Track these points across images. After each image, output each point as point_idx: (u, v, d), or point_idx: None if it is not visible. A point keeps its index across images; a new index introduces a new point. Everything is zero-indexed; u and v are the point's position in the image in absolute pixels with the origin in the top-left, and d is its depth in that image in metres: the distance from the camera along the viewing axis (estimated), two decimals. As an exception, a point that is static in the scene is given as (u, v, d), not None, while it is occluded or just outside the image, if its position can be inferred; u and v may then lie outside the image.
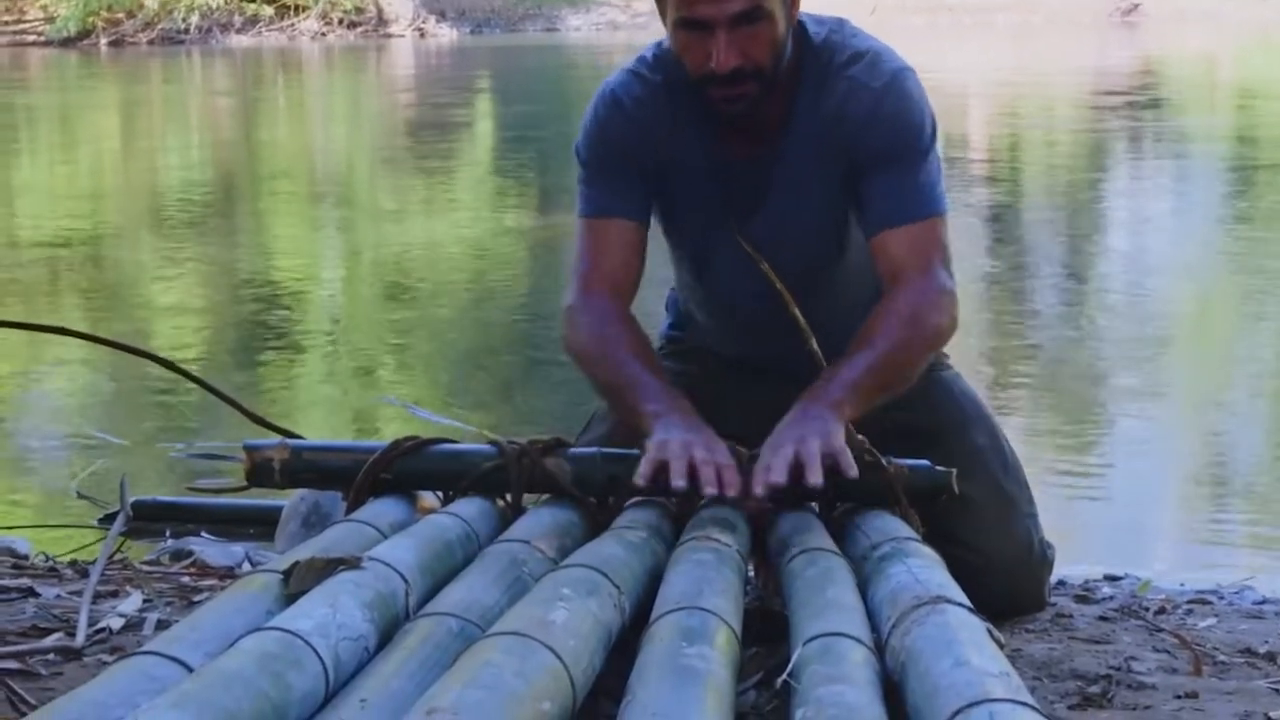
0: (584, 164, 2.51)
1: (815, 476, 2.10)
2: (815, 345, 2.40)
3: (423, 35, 29.51)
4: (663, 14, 2.36)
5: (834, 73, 2.40)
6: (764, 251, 2.45)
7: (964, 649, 1.48)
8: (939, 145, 2.44)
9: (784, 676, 1.53)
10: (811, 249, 2.50)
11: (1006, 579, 2.49)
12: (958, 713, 1.33)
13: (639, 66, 2.49)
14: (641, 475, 2.17)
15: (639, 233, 2.48)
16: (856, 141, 2.39)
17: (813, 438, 2.13)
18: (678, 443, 2.18)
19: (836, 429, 2.16)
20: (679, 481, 2.14)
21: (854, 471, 2.13)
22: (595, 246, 2.47)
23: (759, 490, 2.12)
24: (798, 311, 2.42)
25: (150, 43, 27.33)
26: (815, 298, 2.46)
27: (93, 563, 2.82)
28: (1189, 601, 2.84)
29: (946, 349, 2.59)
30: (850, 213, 2.48)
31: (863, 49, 2.43)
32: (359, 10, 29.31)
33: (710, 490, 2.14)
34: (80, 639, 2.26)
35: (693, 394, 2.64)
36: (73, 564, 3.02)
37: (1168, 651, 2.37)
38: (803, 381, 2.37)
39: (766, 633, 2.03)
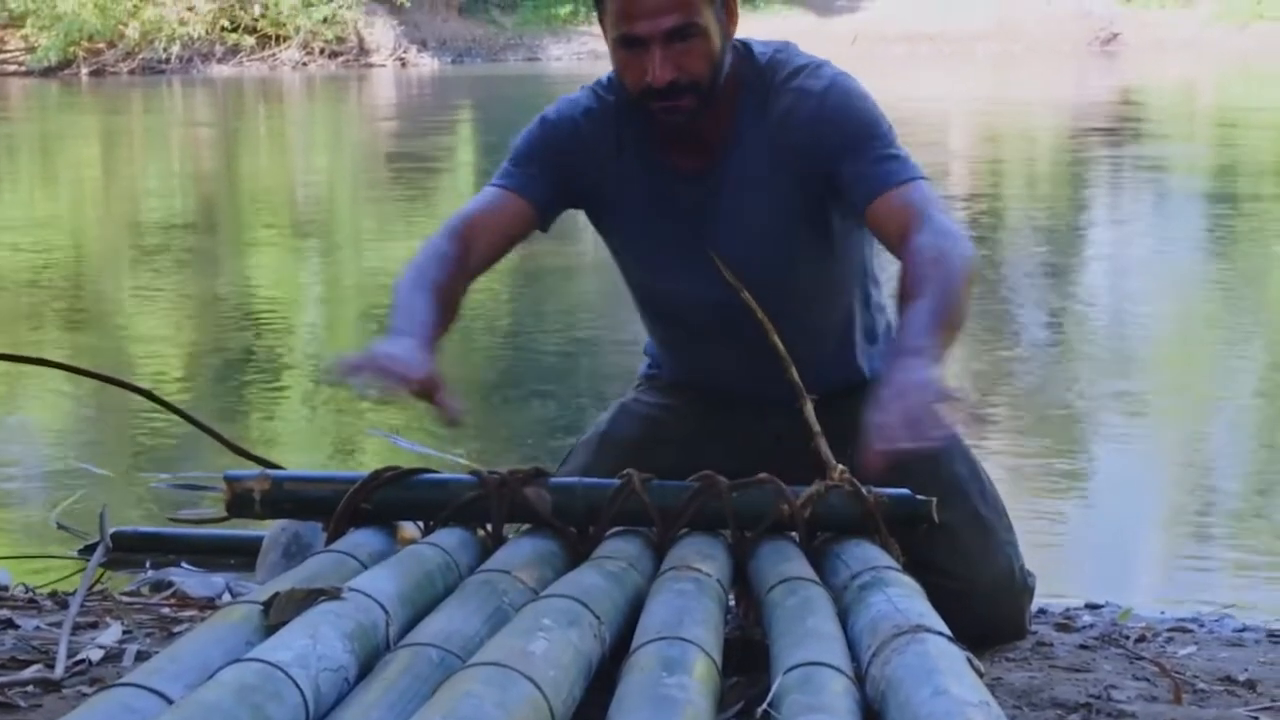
0: (515, 148, 2.56)
1: (936, 430, 1.95)
2: (795, 374, 2.41)
3: (404, 65, 29.58)
4: (606, 36, 2.43)
5: (777, 87, 2.46)
6: (713, 269, 2.47)
7: (944, 678, 1.48)
8: (894, 132, 2.46)
9: (764, 706, 1.53)
10: (759, 265, 2.50)
11: (987, 607, 2.49)
12: (937, 742, 1.34)
13: (595, 87, 2.57)
14: (329, 371, 2.18)
15: (528, 218, 2.52)
16: (809, 144, 2.43)
17: (914, 391, 2.00)
18: (376, 348, 2.18)
19: (933, 372, 2.05)
20: (357, 369, 2.14)
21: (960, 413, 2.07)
22: (481, 207, 2.52)
23: (880, 462, 1.97)
24: (777, 340, 2.44)
25: (131, 72, 27.36)
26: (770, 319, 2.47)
27: (72, 594, 2.82)
28: (1169, 630, 2.85)
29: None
30: (801, 228, 2.50)
31: (804, 63, 2.49)
32: (340, 40, 29.39)
33: (386, 381, 2.12)
34: (59, 670, 2.25)
35: (671, 427, 2.66)
36: (52, 595, 3.01)
37: (1148, 680, 2.38)
38: (780, 410, 2.39)
39: (747, 662, 2.03)
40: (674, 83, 2.35)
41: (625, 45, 2.38)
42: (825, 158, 2.42)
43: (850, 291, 2.63)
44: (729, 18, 2.42)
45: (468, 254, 2.47)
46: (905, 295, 2.24)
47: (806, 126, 2.43)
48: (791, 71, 2.47)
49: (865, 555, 2.07)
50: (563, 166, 2.52)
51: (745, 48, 2.49)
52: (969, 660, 1.58)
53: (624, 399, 2.78)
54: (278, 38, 29.03)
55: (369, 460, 4.60)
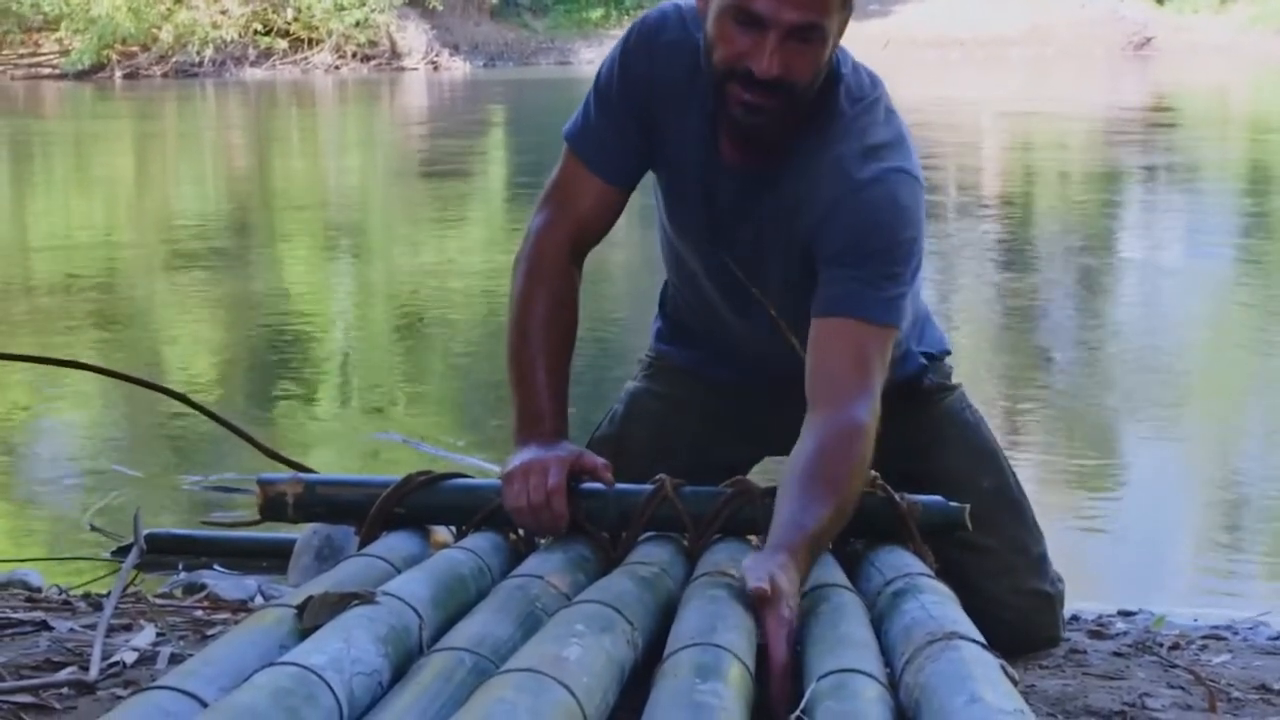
0: (596, 88, 2.40)
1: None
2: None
3: (436, 69, 29.63)
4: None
5: (838, 134, 2.24)
6: (740, 268, 2.37)
7: (978, 685, 1.48)
8: (916, 261, 2.26)
9: (797, 713, 1.53)
10: (778, 287, 2.36)
11: (1019, 616, 2.49)
12: (972, 750, 1.33)
13: (688, 11, 2.31)
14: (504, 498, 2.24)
15: (616, 197, 2.41)
16: (817, 230, 2.23)
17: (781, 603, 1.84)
18: (520, 470, 2.23)
19: (793, 586, 1.88)
20: (513, 504, 2.22)
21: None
22: (572, 188, 2.41)
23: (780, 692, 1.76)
24: (795, 341, 2.34)
25: (164, 75, 27.45)
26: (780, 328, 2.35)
27: (106, 595, 2.83)
28: (1203, 637, 2.83)
29: (955, 370, 2.62)
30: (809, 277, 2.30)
31: (874, 138, 2.25)
32: (373, 44, 29.45)
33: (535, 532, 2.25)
34: (94, 673, 2.26)
35: (682, 422, 2.60)
36: (86, 597, 3.02)
37: (1182, 688, 2.37)
38: (788, 401, 2.24)
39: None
40: (779, 79, 2.13)
41: (738, 20, 2.13)
42: (822, 250, 2.22)
43: None
44: (842, 32, 2.20)
45: (578, 250, 2.41)
46: (796, 479, 2.07)
47: (825, 206, 2.22)
48: (858, 135, 2.24)
49: (898, 562, 2.06)
50: (636, 113, 2.35)
51: (840, 78, 2.26)
52: (1003, 668, 1.58)
53: (634, 387, 2.69)
54: (310, 41, 29.10)
55: (401, 465, 4.60)
